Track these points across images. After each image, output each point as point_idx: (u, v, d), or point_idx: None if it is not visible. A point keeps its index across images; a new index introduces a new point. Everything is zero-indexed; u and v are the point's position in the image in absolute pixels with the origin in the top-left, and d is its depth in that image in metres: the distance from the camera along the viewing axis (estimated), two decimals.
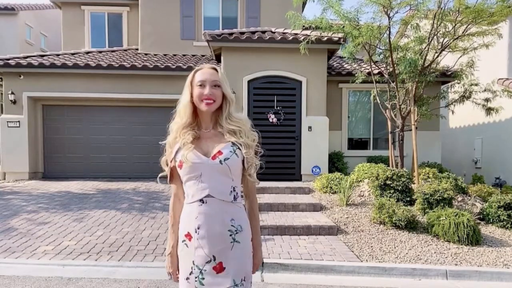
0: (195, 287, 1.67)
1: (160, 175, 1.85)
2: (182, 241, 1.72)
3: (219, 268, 1.66)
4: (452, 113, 8.75)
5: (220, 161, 1.68)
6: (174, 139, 1.77)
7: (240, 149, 1.72)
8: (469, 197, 6.80)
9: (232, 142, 1.72)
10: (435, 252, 5.00)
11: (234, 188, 1.73)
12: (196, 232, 1.66)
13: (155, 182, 9.50)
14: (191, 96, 1.75)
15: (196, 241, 1.66)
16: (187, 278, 1.69)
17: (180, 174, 1.73)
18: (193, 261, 1.68)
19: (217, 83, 1.73)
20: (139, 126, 10.19)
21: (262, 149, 1.84)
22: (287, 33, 9.02)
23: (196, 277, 1.67)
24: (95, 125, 10.22)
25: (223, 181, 1.70)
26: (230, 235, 1.67)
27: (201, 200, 1.67)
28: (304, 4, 10.89)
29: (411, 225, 5.67)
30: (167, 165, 1.79)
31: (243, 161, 1.73)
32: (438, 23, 7.07)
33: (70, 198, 7.58)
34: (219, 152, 1.70)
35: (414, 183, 7.15)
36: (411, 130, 7.49)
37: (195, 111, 1.77)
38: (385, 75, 8.01)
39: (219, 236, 1.66)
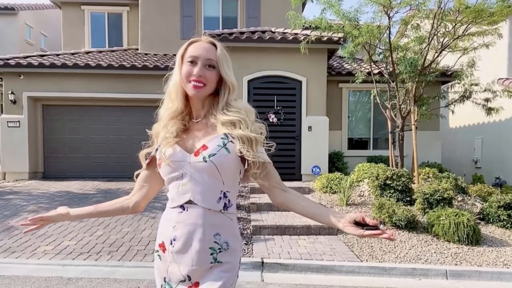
0: None
1: (136, 173, 1.52)
2: (156, 251, 1.43)
3: None
4: (452, 113, 8.75)
5: (204, 158, 1.32)
6: (162, 128, 1.44)
7: (233, 142, 1.34)
8: (469, 197, 6.79)
9: (224, 133, 1.35)
10: (435, 252, 5.00)
11: (225, 193, 1.36)
12: (171, 244, 1.35)
13: None
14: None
15: (170, 255, 1.36)
16: None
17: (161, 174, 1.42)
18: (164, 278, 1.40)
19: (211, 63, 1.36)
20: (139, 126, 10.17)
21: (269, 145, 1.44)
22: (287, 33, 9.02)
23: None
24: (95, 125, 10.23)
25: (210, 184, 1.34)
26: (211, 254, 1.33)
27: (182, 207, 1.35)
28: (304, 4, 10.89)
29: (411, 225, 5.67)
30: (146, 159, 1.48)
31: (242, 158, 1.36)
32: (438, 23, 7.07)
33: (70, 198, 7.58)
34: (203, 147, 1.34)
35: (414, 183, 7.14)
36: (411, 130, 7.49)
37: (187, 94, 1.41)
38: (385, 75, 8.00)
39: (196, 254, 1.33)
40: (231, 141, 1.34)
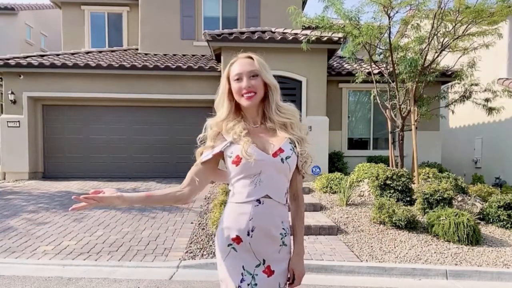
0: None
1: (198, 161, 1.63)
2: (228, 245, 1.57)
3: (269, 272, 1.56)
4: (452, 113, 8.74)
5: (282, 159, 1.55)
6: (215, 133, 1.62)
7: (296, 146, 1.60)
8: (469, 197, 6.79)
9: (288, 137, 1.60)
10: (435, 252, 5.00)
11: (287, 189, 1.62)
12: (248, 234, 1.53)
13: (155, 182, 9.46)
14: (229, 91, 1.62)
15: (247, 244, 1.54)
16: (239, 287, 1.54)
17: (232, 171, 1.57)
18: (243, 266, 1.55)
19: (254, 73, 1.60)
20: (139, 126, 10.19)
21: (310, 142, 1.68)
22: (287, 33, 9.02)
23: (248, 284, 1.54)
24: (95, 125, 10.22)
25: (280, 181, 1.57)
26: (281, 238, 1.58)
27: (258, 200, 1.54)
28: (304, 3, 10.90)
29: (411, 225, 5.67)
30: (201, 154, 1.62)
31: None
32: (438, 23, 7.06)
33: (70, 198, 7.57)
34: (280, 150, 1.56)
35: (414, 183, 7.14)
36: (411, 130, 7.49)
37: (238, 107, 1.64)
38: (385, 75, 8.00)
39: (272, 239, 1.56)
40: (295, 145, 1.60)
